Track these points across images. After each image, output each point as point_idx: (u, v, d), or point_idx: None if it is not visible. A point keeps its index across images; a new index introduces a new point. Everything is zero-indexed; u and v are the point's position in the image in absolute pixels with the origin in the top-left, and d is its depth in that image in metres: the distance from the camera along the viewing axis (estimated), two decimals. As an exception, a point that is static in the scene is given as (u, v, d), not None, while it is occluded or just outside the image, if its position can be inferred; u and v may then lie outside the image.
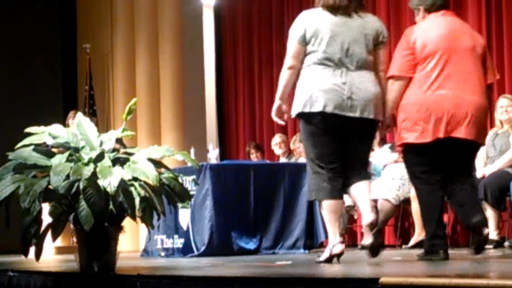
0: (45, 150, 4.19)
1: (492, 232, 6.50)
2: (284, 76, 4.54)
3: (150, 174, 4.05)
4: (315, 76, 4.44)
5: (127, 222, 4.18)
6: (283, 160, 8.59)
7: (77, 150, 4.21)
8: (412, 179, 4.84)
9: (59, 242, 6.79)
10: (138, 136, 9.95)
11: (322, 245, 7.13)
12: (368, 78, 4.48)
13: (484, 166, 6.68)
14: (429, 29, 4.62)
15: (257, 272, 4.00)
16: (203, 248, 6.33)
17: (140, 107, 9.90)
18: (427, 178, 4.65)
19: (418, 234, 7.16)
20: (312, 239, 6.66)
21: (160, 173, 4.18)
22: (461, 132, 4.49)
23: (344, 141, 4.49)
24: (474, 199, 4.74)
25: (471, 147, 4.66)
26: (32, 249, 4.10)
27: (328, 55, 4.44)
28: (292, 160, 8.36)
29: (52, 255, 7.60)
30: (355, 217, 7.64)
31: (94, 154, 4.13)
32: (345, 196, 7.37)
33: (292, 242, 6.58)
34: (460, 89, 4.52)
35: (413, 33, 4.64)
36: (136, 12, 10.56)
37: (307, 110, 4.43)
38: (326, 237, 6.83)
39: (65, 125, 6.71)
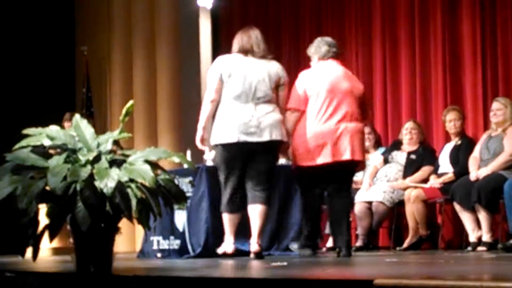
0: (43, 152, 4.21)
1: (485, 234, 6.54)
2: (207, 108, 5.62)
3: (146, 176, 4.07)
4: (230, 111, 5.53)
5: (123, 223, 4.20)
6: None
7: (74, 151, 4.23)
8: (301, 192, 6.00)
9: (56, 243, 6.81)
10: (135, 138, 9.95)
11: (318, 246, 7.16)
12: (272, 109, 5.59)
13: (478, 169, 6.71)
14: (318, 74, 5.82)
15: (252, 273, 4.03)
16: (199, 250, 6.34)
17: (137, 109, 9.91)
18: (313, 192, 5.81)
19: (412, 236, 7.20)
20: (307, 241, 6.66)
21: (156, 175, 4.20)
22: (344, 156, 5.68)
23: (251, 162, 5.59)
24: (347, 209, 6.01)
25: (353, 165, 5.87)
26: (29, 250, 4.12)
27: (239, 92, 5.53)
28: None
29: (48, 256, 7.61)
30: (350, 219, 7.65)
31: (91, 156, 4.15)
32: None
33: (287, 243, 6.60)
34: (342, 122, 5.70)
35: (306, 76, 5.85)
36: (133, 15, 10.56)
37: (224, 141, 5.55)
38: (321, 239, 6.90)
39: (61, 127, 6.73)
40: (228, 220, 5.75)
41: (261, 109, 5.57)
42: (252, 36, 5.72)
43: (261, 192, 5.68)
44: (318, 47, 5.93)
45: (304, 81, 5.81)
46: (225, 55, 5.78)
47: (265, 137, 5.53)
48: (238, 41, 5.74)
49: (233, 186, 5.71)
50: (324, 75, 5.81)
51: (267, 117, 5.56)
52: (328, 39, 6.01)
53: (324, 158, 5.67)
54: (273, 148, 5.64)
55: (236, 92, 5.56)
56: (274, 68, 5.72)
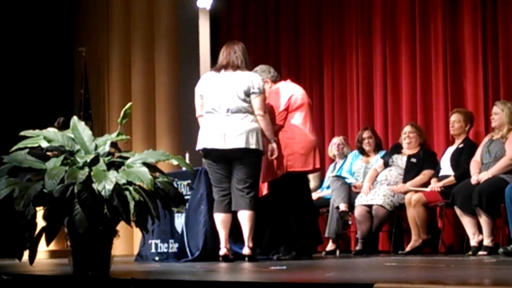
0: (40, 154, 4.18)
1: (486, 239, 6.51)
2: (199, 122, 6.20)
3: (144, 178, 4.04)
4: (204, 122, 6.09)
5: (121, 226, 4.18)
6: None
7: (72, 153, 4.21)
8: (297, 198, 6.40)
9: (53, 245, 6.78)
10: (133, 140, 9.93)
11: (317, 250, 7.14)
12: (240, 119, 5.96)
13: (479, 172, 6.68)
14: (293, 89, 6.44)
15: (251, 277, 4.00)
16: (197, 253, 6.32)
17: (135, 111, 9.88)
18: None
19: (415, 240, 7.17)
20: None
21: (155, 178, 4.17)
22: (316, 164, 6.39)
23: (229, 167, 6.02)
24: None
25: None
26: (26, 253, 4.09)
27: (211, 105, 6.04)
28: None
29: (46, 258, 7.58)
30: (350, 222, 7.64)
31: (89, 158, 4.13)
32: (341, 202, 7.44)
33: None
34: (315, 134, 6.48)
35: (286, 90, 6.40)
36: (132, 16, 10.54)
37: (199, 147, 6.11)
38: (321, 243, 6.88)
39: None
40: (217, 221, 6.07)
41: (230, 119, 5.96)
42: (231, 52, 6.12)
43: (243, 198, 5.97)
44: (268, 72, 6.54)
45: (287, 94, 6.36)
46: (205, 74, 6.43)
47: (229, 145, 5.93)
48: (219, 56, 6.19)
49: (217, 188, 6.10)
50: (297, 90, 6.46)
51: (235, 127, 5.93)
52: (265, 65, 6.67)
53: (314, 164, 6.34)
54: (241, 154, 5.95)
55: (208, 107, 6.06)
56: (245, 79, 6.04)
